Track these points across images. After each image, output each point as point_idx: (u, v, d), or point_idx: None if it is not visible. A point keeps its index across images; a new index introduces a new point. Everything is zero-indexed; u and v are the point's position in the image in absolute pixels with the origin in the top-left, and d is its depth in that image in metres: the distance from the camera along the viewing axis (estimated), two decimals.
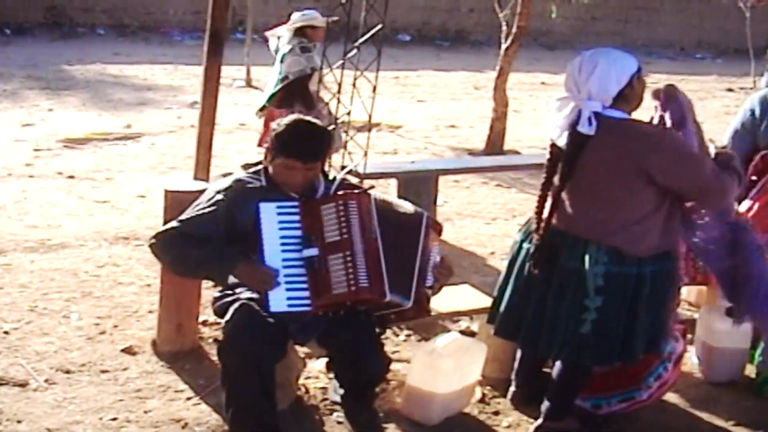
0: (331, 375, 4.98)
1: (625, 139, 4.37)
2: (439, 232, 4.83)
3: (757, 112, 5.96)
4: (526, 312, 4.64)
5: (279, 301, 4.28)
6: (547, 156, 4.58)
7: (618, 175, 4.38)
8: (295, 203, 4.41)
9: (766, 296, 4.73)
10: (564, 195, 4.53)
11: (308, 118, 4.65)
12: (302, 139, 4.45)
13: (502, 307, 4.80)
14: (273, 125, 4.57)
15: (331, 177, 4.77)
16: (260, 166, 4.60)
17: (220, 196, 4.45)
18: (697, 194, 4.54)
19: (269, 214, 4.35)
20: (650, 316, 4.56)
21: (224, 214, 4.41)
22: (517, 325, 4.71)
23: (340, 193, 4.52)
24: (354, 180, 5.07)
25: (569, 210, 4.51)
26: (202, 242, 4.39)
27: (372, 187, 4.74)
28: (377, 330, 4.64)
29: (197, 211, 4.45)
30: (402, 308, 4.51)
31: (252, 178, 4.55)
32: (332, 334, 4.46)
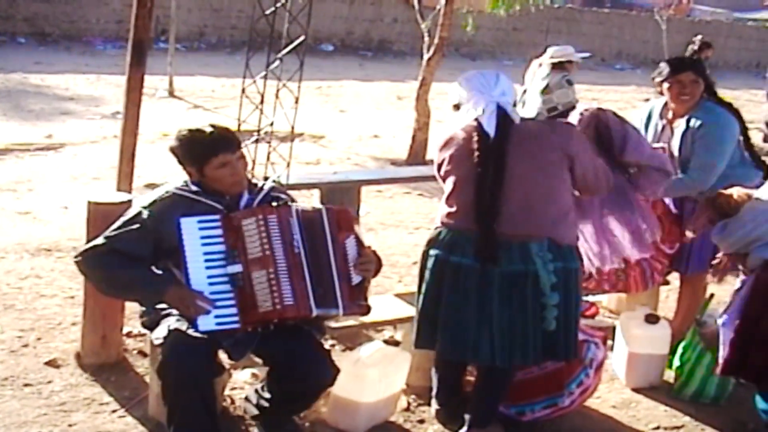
0: (256, 386, 4.99)
1: (544, 129, 4.73)
2: (349, 220, 4.64)
3: (643, 120, 6.19)
4: (468, 327, 4.59)
5: (207, 320, 4.24)
6: (475, 152, 4.62)
7: (548, 163, 4.58)
8: (217, 217, 4.34)
9: None
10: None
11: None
12: (214, 135, 4.43)
13: (440, 329, 4.70)
14: (171, 144, 4.52)
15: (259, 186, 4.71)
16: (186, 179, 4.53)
17: (146, 213, 4.37)
18: (592, 180, 4.81)
19: (191, 229, 4.28)
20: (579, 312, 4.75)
21: (151, 230, 4.34)
22: (462, 344, 4.64)
23: (259, 207, 4.46)
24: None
25: (502, 213, 4.53)
26: (131, 263, 4.33)
27: (293, 199, 4.69)
28: (319, 338, 4.62)
29: (124, 227, 4.37)
30: (335, 316, 4.53)
31: (181, 190, 4.47)
32: (271, 345, 4.42)
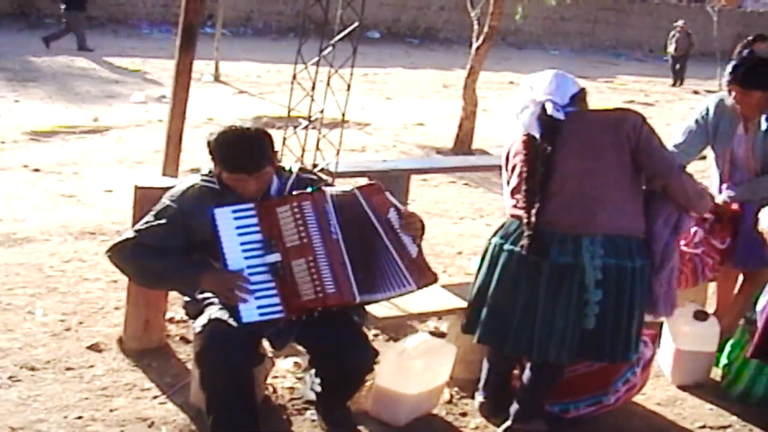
0: (300, 375, 4.95)
1: (596, 120, 4.69)
2: (381, 192, 4.46)
3: (711, 113, 5.94)
4: (513, 316, 4.61)
5: (250, 311, 4.17)
6: (523, 151, 4.66)
7: (603, 154, 4.54)
8: (251, 205, 4.24)
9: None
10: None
11: (239, 125, 4.36)
12: (239, 152, 4.24)
13: (484, 314, 4.73)
14: (206, 136, 4.39)
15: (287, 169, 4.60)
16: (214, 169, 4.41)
17: (174, 207, 4.30)
18: (667, 172, 4.67)
19: (226, 219, 4.20)
20: (641, 314, 4.67)
21: (180, 224, 4.28)
22: (503, 330, 4.66)
23: (294, 193, 4.34)
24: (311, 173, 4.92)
25: (554, 206, 4.54)
26: (163, 253, 4.27)
27: (327, 183, 4.60)
28: (360, 323, 4.54)
29: (153, 222, 4.31)
30: (409, 292, 4.42)
31: (206, 182, 4.38)
32: (312, 332, 4.38)
